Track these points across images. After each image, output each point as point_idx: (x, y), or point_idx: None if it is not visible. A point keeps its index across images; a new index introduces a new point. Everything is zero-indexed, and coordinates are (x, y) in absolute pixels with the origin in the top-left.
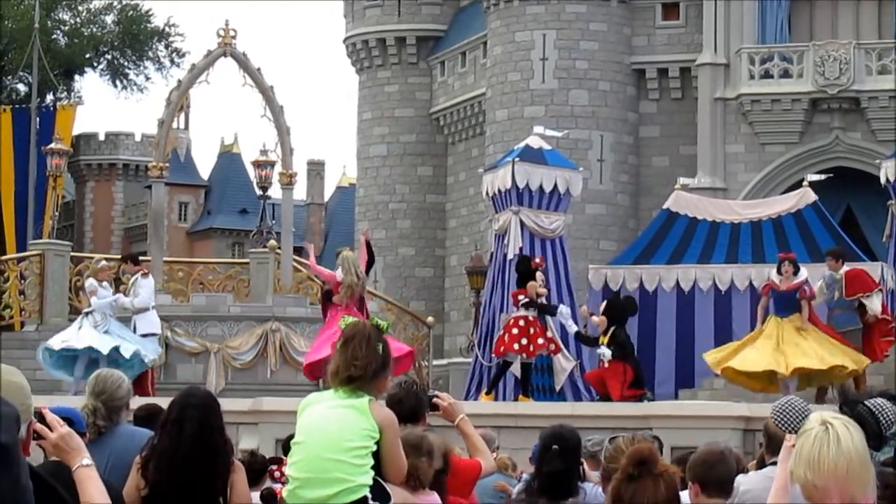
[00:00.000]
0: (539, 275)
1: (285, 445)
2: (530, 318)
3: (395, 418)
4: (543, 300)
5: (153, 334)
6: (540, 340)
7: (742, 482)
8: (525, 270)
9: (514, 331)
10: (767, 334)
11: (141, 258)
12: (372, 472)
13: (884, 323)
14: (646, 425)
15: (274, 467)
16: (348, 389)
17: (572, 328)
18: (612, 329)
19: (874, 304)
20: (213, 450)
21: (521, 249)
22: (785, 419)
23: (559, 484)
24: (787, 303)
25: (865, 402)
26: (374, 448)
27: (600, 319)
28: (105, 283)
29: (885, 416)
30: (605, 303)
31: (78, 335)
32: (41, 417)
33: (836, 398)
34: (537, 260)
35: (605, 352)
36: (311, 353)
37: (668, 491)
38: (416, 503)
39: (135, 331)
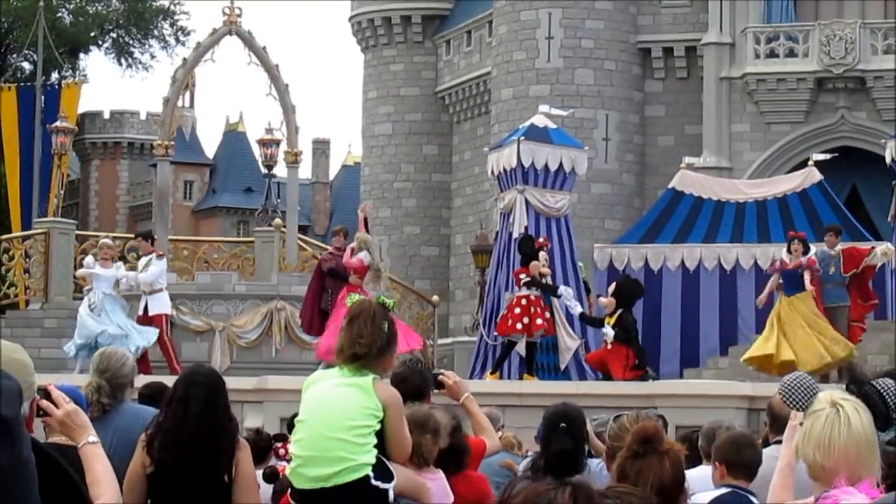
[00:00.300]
0: (542, 254)
1: (290, 424)
2: (532, 297)
3: (400, 397)
4: (548, 280)
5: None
6: (539, 321)
7: None
8: (528, 250)
9: (517, 310)
10: (787, 319)
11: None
12: (375, 451)
13: (861, 308)
14: (650, 404)
15: (279, 444)
16: (353, 367)
17: (576, 309)
18: (619, 312)
19: (879, 252)
20: (218, 428)
21: (526, 228)
22: (793, 396)
23: (567, 462)
24: (795, 281)
25: (872, 383)
26: (378, 427)
27: (608, 301)
28: (119, 264)
29: (891, 396)
30: (614, 285)
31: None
32: (47, 394)
33: (844, 376)
34: (541, 240)
35: (609, 332)
36: (326, 338)
37: (673, 468)
38: (421, 482)
39: (146, 310)
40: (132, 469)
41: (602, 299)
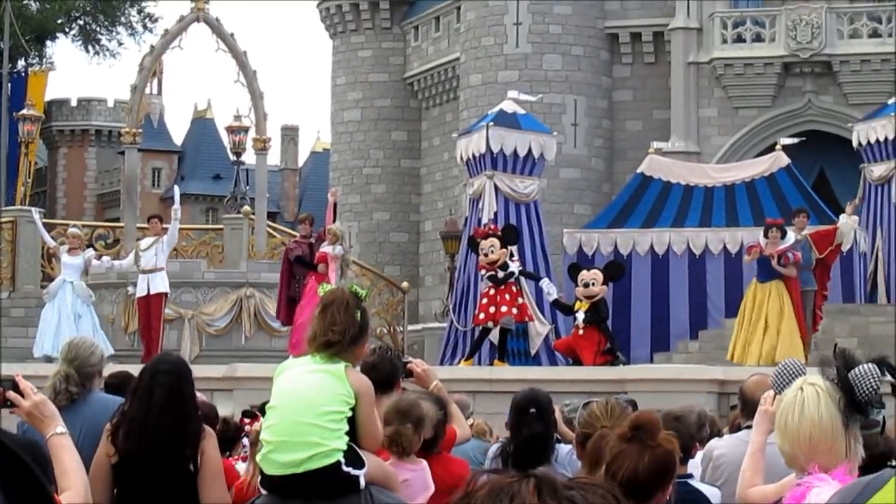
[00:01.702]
0: (486, 242)
1: (260, 411)
2: (500, 285)
3: (371, 386)
4: (508, 262)
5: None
6: (504, 308)
7: (716, 446)
8: (472, 245)
9: (484, 301)
10: (757, 308)
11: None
12: (346, 438)
13: (821, 297)
14: (621, 389)
15: (247, 420)
16: (325, 355)
17: (550, 296)
18: (596, 298)
19: (847, 227)
20: (183, 416)
21: (495, 214)
22: (778, 380)
23: (537, 446)
24: (771, 268)
25: (853, 370)
26: (349, 414)
27: (592, 273)
28: (90, 251)
29: (865, 384)
30: (604, 266)
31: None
32: (14, 385)
33: (834, 360)
34: (483, 229)
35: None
36: (297, 333)
37: (651, 465)
38: (391, 471)
39: (148, 290)
40: (97, 458)
41: (588, 273)
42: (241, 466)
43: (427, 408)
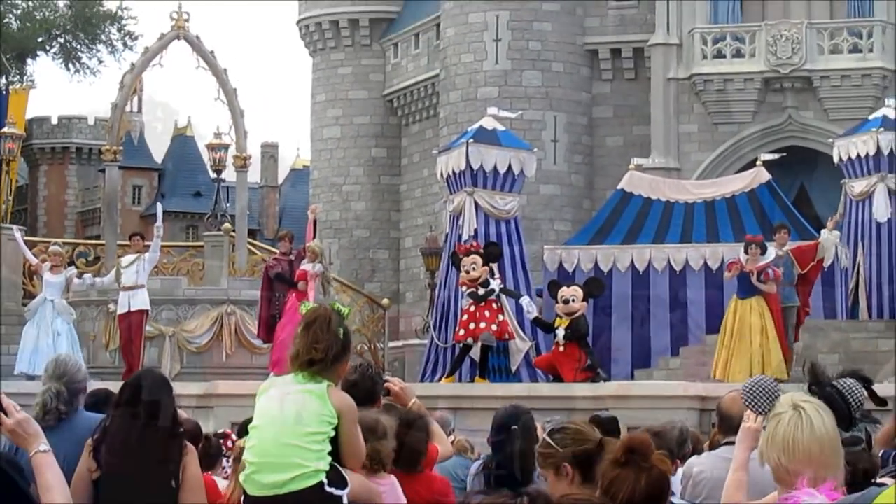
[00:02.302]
0: (468, 259)
1: (240, 429)
2: (481, 302)
3: (354, 405)
4: (488, 278)
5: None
6: (483, 325)
7: (695, 463)
8: (454, 262)
9: (464, 317)
10: (739, 324)
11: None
12: (329, 458)
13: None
14: (601, 405)
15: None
16: (308, 374)
17: (531, 315)
18: (576, 314)
19: (829, 241)
20: (164, 432)
21: (475, 231)
22: (755, 399)
23: (519, 463)
24: (751, 284)
25: (834, 383)
26: (332, 434)
27: (572, 290)
28: (72, 269)
29: (854, 397)
30: (584, 282)
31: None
32: None
33: (805, 377)
34: (466, 245)
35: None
36: (278, 351)
37: (648, 487)
38: (374, 489)
39: (129, 307)
40: (78, 474)
41: (569, 289)
42: (222, 484)
43: (385, 420)
